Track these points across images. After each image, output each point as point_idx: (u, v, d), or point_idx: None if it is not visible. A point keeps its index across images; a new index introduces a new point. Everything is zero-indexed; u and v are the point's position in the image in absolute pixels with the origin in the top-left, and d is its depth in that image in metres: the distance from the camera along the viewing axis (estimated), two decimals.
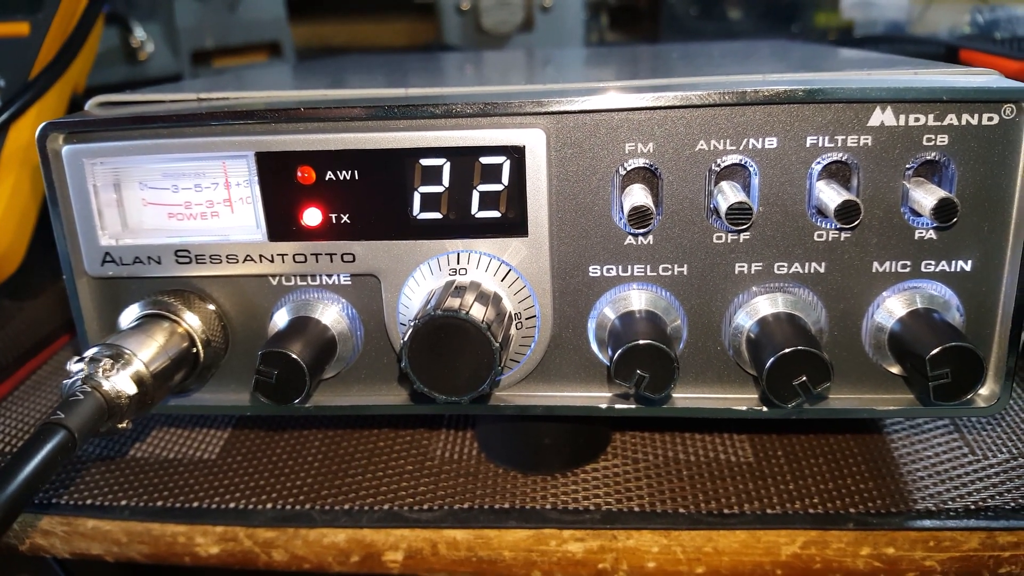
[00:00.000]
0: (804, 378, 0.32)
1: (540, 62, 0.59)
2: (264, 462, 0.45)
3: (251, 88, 0.41)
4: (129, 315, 0.37)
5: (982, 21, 1.37)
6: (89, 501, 0.43)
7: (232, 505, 0.42)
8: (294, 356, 0.34)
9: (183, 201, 0.37)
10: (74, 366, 0.33)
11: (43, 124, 0.36)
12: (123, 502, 0.43)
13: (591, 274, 0.37)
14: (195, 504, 0.43)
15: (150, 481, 0.44)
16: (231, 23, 1.19)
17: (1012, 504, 0.39)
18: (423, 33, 1.33)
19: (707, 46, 0.74)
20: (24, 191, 0.60)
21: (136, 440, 0.48)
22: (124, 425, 0.33)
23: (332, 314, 0.38)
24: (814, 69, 0.39)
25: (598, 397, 0.38)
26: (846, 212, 0.32)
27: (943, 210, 0.32)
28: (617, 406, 0.38)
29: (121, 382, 0.33)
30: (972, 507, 0.39)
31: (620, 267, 0.36)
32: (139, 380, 0.33)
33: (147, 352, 0.34)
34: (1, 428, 0.49)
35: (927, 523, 0.39)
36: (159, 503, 0.43)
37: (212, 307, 0.38)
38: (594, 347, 0.38)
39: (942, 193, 0.32)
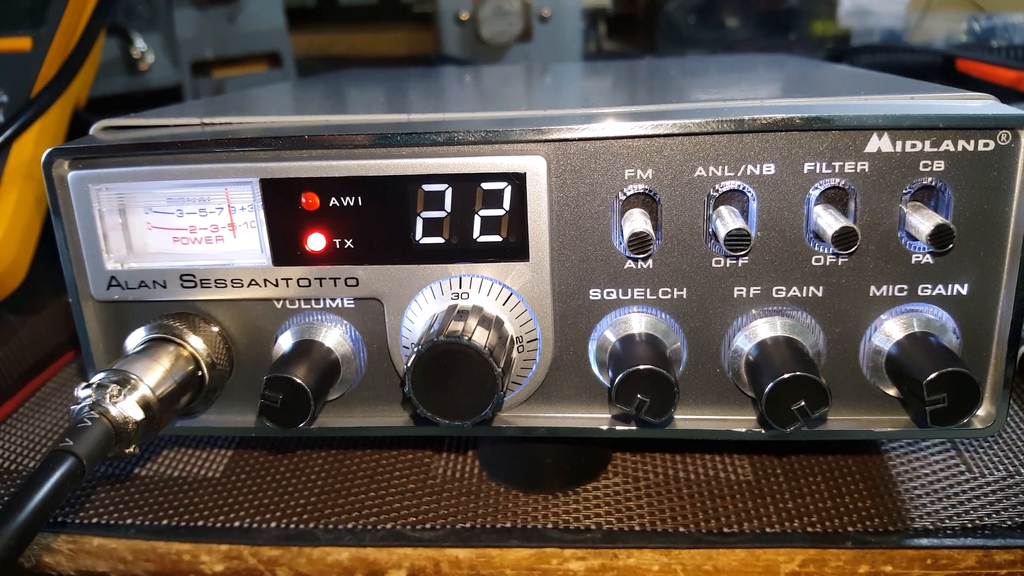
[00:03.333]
0: (803, 403, 0.32)
1: (540, 82, 0.59)
2: (268, 481, 0.46)
3: (254, 112, 0.41)
4: (135, 339, 0.38)
5: (979, 29, 1.38)
6: (95, 520, 0.44)
7: (236, 524, 0.43)
8: (299, 381, 0.34)
9: (188, 225, 0.37)
10: (82, 392, 0.33)
11: (49, 150, 0.36)
12: (128, 520, 0.43)
13: (592, 297, 0.37)
14: (200, 523, 0.43)
15: (155, 500, 0.45)
16: (231, 34, 1.19)
17: (1009, 522, 0.40)
18: (422, 43, 1.33)
19: (704, 60, 0.74)
20: (27, 207, 0.60)
21: (141, 459, 0.48)
22: (131, 450, 0.33)
23: (335, 337, 0.38)
24: (811, 91, 0.40)
25: (599, 419, 0.39)
26: (844, 239, 0.32)
27: (939, 236, 0.33)
28: (618, 428, 0.38)
29: (128, 408, 0.33)
30: (969, 525, 0.40)
31: (620, 291, 0.37)
32: (146, 405, 0.34)
33: (153, 376, 0.35)
34: (6, 447, 0.49)
35: (924, 541, 0.39)
36: (164, 521, 0.43)
37: (217, 330, 0.38)
38: (595, 369, 0.38)
39: (939, 219, 0.33)
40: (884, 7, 1.39)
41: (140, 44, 1.15)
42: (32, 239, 0.62)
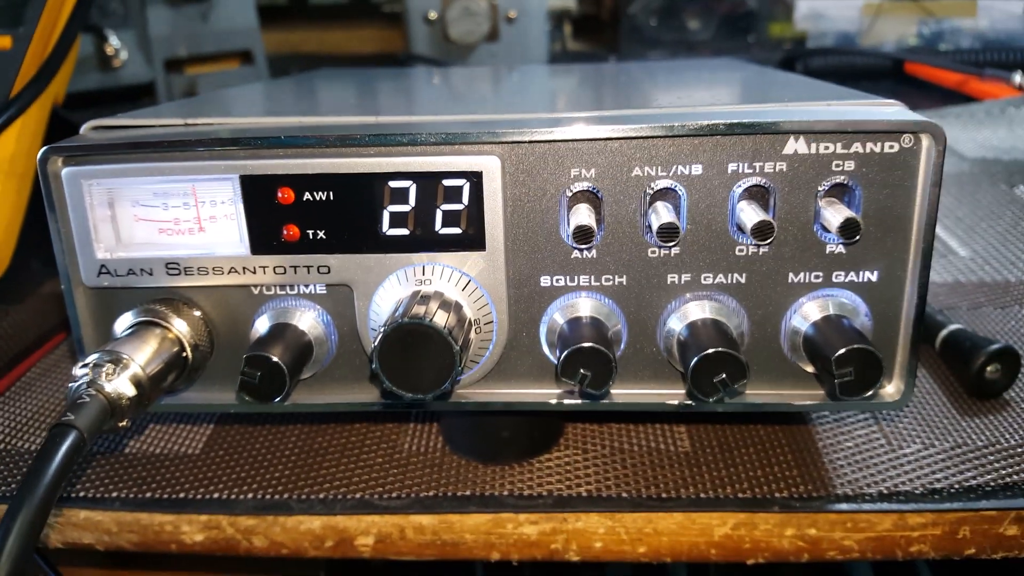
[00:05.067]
0: (724, 376, 0.36)
1: (499, 85, 0.63)
2: (245, 456, 0.49)
3: (233, 114, 0.44)
4: (123, 322, 0.41)
5: (928, 33, 1.44)
6: (82, 494, 0.46)
7: (215, 495, 0.46)
8: (275, 359, 0.38)
9: (173, 218, 0.40)
10: (78, 371, 0.36)
11: (44, 148, 0.39)
12: (114, 494, 0.46)
13: (542, 284, 0.41)
14: (181, 495, 0.46)
15: (139, 475, 0.48)
16: (203, 32, 1.22)
17: (921, 489, 0.43)
18: (391, 41, 1.37)
19: (656, 65, 0.78)
20: (9, 201, 0.63)
21: (125, 437, 0.51)
22: (124, 423, 0.37)
23: (309, 320, 0.41)
24: (742, 97, 0.44)
25: (549, 394, 0.43)
26: (761, 231, 0.36)
27: (848, 228, 0.37)
28: (565, 401, 0.42)
29: (121, 385, 0.36)
30: (886, 492, 0.43)
31: (568, 278, 0.41)
32: (137, 382, 0.37)
33: (143, 356, 0.38)
34: None
35: (845, 506, 0.43)
36: (147, 494, 0.46)
37: (199, 314, 0.42)
38: (545, 349, 0.42)
39: (848, 213, 0.37)
40: (838, 11, 1.44)
41: (114, 41, 1.17)
42: (14, 233, 0.64)
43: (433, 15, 1.24)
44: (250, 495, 0.46)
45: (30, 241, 0.66)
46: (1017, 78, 1.11)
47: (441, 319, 0.37)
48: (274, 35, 1.36)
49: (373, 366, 0.37)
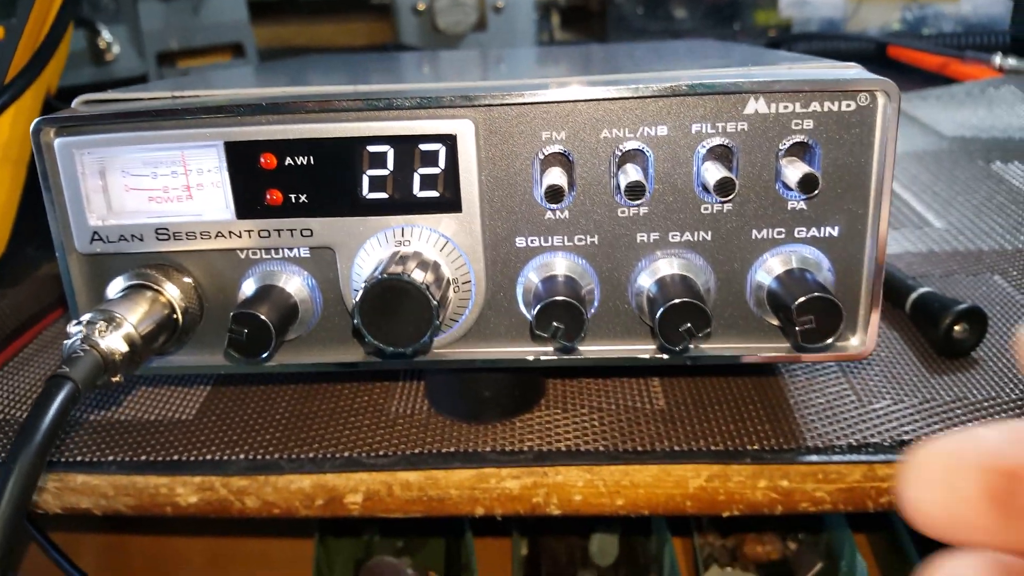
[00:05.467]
0: (689, 325, 0.38)
1: (478, 63, 0.64)
2: (237, 420, 0.51)
3: (219, 87, 0.46)
4: (115, 286, 0.42)
5: (911, 18, 1.45)
6: (79, 458, 0.48)
7: (208, 457, 0.48)
8: (262, 317, 0.40)
9: (161, 186, 0.42)
10: (73, 328, 0.38)
11: (37, 120, 0.41)
12: (110, 458, 0.48)
13: (518, 245, 0.42)
14: (175, 457, 0.48)
15: (134, 440, 0.49)
16: (195, 25, 1.23)
17: (890, 441, 0.45)
18: (381, 33, 1.38)
19: (634, 45, 0.80)
20: (4, 187, 0.64)
21: (120, 404, 0.53)
22: (117, 379, 0.38)
23: (294, 283, 0.43)
24: (708, 65, 0.45)
25: (526, 351, 0.44)
26: (723, 187, 0.38)
27: (806, 183, 0.38)
28: (542, 357, 0.44)
29: (114, 341, 0.38)
30: (855, 444, 0.45)
31: (542, 238, 0.42)
32: (130, 340, 0.39)
33: (135, 316, 0.40)
34: None
35: (816, 458, 0.44)
36: (143, 457, 0.48)
37: (188, 279, 0.43)
38: (522, 308, 0.44)
39: (806, 169, 0.39)
40: None
41: (106, 35, 1.18)
42: (10, 218, 0.66)
43: (421, 6, 1.26)
44: (242, 456, 0.48)
45: (26, 229, 0.68)
46: (998, 60, 1.13)
47: (419, 276, 0.38)
48: (265, 28, 1.38)
49: (355, 322, 0.38)
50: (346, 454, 0.47)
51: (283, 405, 0.52)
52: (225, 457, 0.48)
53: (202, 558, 0.89)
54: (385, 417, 0.50)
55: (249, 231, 0.42)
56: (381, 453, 0.47)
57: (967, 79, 1.14)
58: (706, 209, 0.41)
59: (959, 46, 1.25)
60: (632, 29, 1.41)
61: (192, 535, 0.89)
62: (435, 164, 0.41)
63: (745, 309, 0.43)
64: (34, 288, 0.68)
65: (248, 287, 0.43)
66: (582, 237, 0.42)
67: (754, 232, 0.41)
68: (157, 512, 0.49)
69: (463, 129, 0.40)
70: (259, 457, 0.47)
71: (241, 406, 0.52)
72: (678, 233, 0.41)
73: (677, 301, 0.38)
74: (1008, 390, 0.49)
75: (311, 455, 0.47)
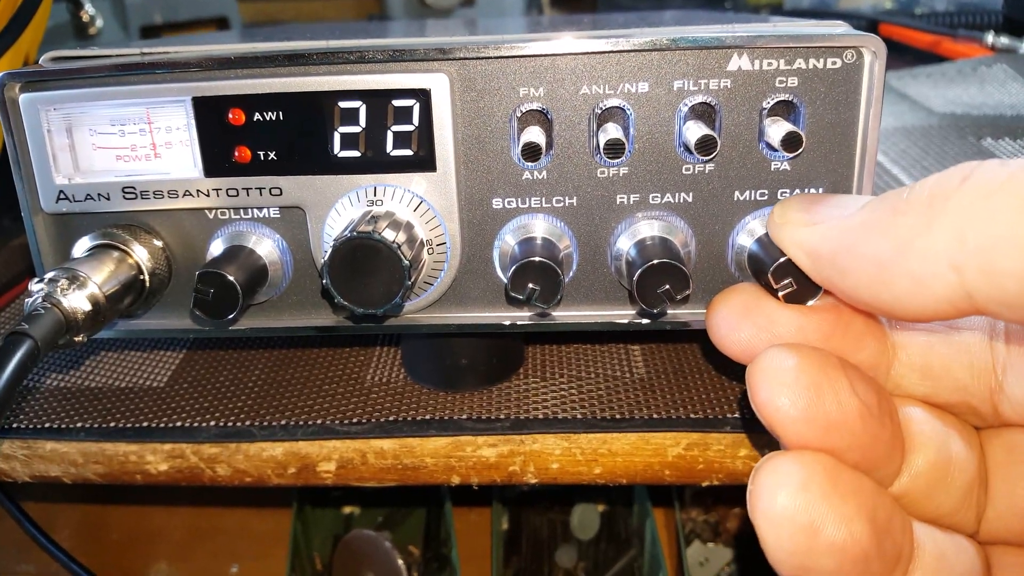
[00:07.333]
0: (667, 287, 0.37)
1: (461, 26, 0.63)
2: (208, 388, 0.50)
3: (189, 44, 0.45)
4: (81, 246, 0.41)
5: None
6: (47, 424, 0.47)
7: (179, 424, 0.47)
8: (229, 277, 0.38)
9: (129, 144, 0.41)
10: (35, 286, 0.37)
11: (2, 74, 0.40)
12: (79, 424, 0.47)
13: (494, 206, 0.41)
14: (145, 424, 0.47)
15: (104, 407, 0.48)
16: None
17: None
18: (369, 9, 1.36)
19: (626, 14, 0.79)
20: None
21: (90, 371, 0.52)
22: (80, 339, 0.37)
23: (265, 245, 0.42)
24: (691, 24, 0.44)
25: (503, 316, 0.43)
26: (704, 145, 0.37)
27: (790, 142, 0.37)
28: (518, 322, 0.43)
29: (77, 300, 0.37)
30: None
31: (519, 199, 0.41)
32: (94, 300, 0.38)
33: (100, 276, 0.38)
34: None
35: None
36: (112, 424, 0.47)
37: (157, 240, 0.42)
38: (499, 271, 0.43)
39: (790, 127, 0.38)
40: None
41: (89, 9, 1.16)
42: None
43: None
44: (212, 423, 0.47)
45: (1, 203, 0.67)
46: (990, 38, 1.12)
47: (390, 235, 0.37)
48: (250, 5, 1.36)
49: (324, 282, 0.37)
50: (319, 421, 0.46)
51: (256, 373, 0.51)
52: (196, 424, 0.47)
53: (181, 532, 0.89)
54: (360, 385, 0.49)
55: (217, 190, 0.41)
56: (355, 421, 0.46)
57: (959, 57, 1.13)
58: (687, 170, 0.40)
59: (951, 24, 1.25)
60: (622, 6, 1.39)
61: (172, 506, 0.89)
62: (408, 121, 0.40)
63: (726, 273, 0.42)
64: (6, 256, 0.67)
65: (216, 248, 0.42)
66: (560, 198, 0.41)
67: (736, 194, 0.40)
68: (127, 480, 0.49)
69: (437, 84, 0.39)
70: (230, 424, 0.46)
71: (214, 373, 0.51)
72: (659, 194, 0.40)
73: (655, 262, 0.37)
74: None
75: (283, 422, 0.46)
